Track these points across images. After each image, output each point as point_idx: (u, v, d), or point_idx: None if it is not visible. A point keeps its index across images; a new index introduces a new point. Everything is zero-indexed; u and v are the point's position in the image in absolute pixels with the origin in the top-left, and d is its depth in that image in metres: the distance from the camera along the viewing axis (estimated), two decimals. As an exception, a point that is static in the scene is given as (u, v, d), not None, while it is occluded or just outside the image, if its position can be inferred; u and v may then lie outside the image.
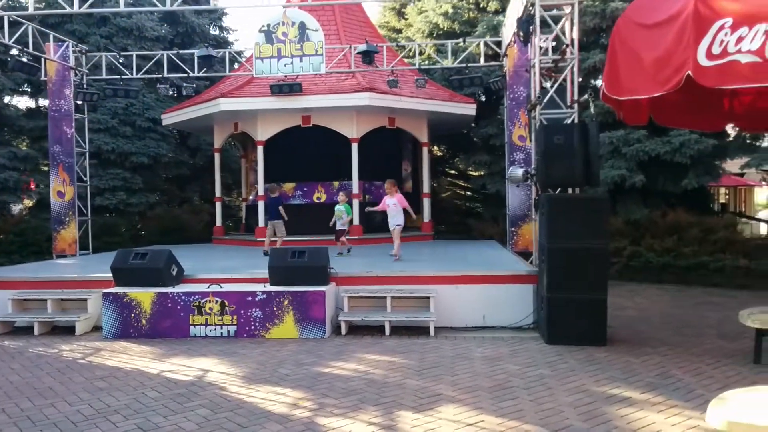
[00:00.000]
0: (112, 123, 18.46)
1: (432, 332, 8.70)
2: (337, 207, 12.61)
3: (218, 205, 17.56)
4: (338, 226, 12.52)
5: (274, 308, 8.67)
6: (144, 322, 8.86)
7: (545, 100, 9.12)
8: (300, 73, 13.48)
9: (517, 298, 9.05)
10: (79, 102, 14.28)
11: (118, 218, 18.48)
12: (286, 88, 14.00)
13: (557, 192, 8.64)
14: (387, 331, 8.78)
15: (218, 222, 17.49)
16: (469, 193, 22.91)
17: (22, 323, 9.50)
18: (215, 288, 8.91)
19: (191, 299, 8.79)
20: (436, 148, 23.46)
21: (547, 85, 9.29)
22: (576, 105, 9.03)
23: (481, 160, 18.18)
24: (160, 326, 8.83)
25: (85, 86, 14.31)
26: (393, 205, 11.58)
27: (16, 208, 18.74)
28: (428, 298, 8.98)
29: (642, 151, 14.33)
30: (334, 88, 14.67)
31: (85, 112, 14.88)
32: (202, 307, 8.77)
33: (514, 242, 12.86)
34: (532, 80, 9.50)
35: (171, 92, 14.15)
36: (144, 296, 8.88)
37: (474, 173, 21.23)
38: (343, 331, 8.85)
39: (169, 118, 16.94)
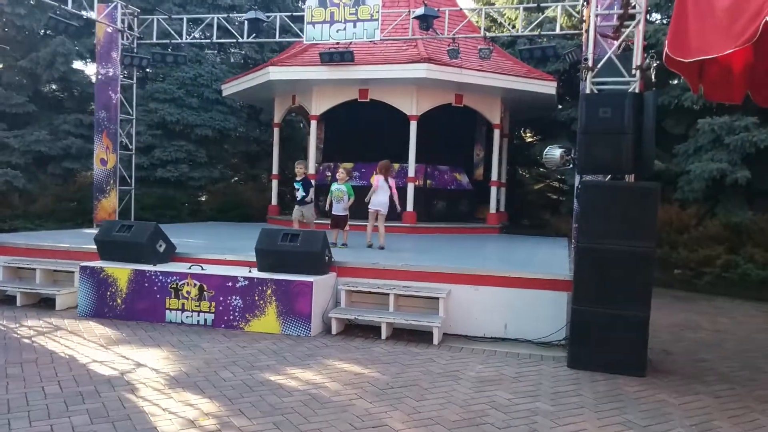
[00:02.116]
0: (179, 93, 18.03)
1: (436, 340, 7.22)
2: (334, 186, 10.32)
3: (275, 183, 16.66)
4: (336, 211, 10.27)
5: (256, 297, 7.50)
6: (119, 301, 7.95)
7: (600, 66, 7.32)
8: (353, 40, 12.23)
9: (549, 307, 7.38)
10: (126, 66, 13.67)
11: (179, 191, 18.02)
12: (337, 56, 12.77)
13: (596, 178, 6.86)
14: (384, 334, 7.39)
15: (274, 200, 16.61)
16: (557, 184, 20.81)
17: (13, 292, 8.88)
18: (196, 269, 7.85)
19: (169, 280, 7.79)
20: (526, 132, 21.54)
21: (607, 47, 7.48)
22: (639, 72, 7.16)
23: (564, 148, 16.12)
24: (135, 307, 7.89)
25: (134, 50, 13.73)
26: (387, 187, 10.26)
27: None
28: (437, 299, 7.48)
29: (749, 141, 11.96)
30: (391, 59, 13.27)
31: (134, 78, 14.30)
32: (180, 290, 7.74)
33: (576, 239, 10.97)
34: (589, 41, 7.70)
35: (218, 59, 13.27)
36: (121, 273, 7.97)
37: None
38: (334, 329, 7.55)
39: (228, 89, 16.20)
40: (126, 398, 5.04)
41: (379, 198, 10.22)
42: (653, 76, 6.80)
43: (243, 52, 13.66)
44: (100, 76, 13.54)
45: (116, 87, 13.52)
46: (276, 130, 16.55)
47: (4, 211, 16.42)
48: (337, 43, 12.61)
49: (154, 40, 13.80)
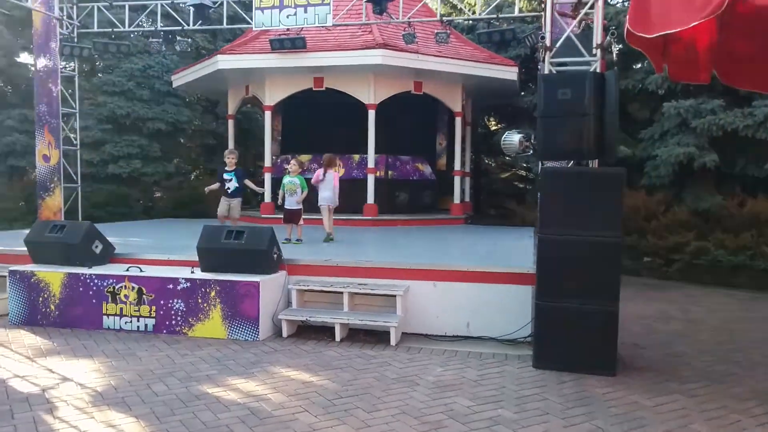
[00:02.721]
0: (129, 85, 17.22)
1: (393, 340, 6.75)
2: (287, 179, 9.78)
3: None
4: (288, 205, 9.72)
5: (199, 300, 6.95)
6: (53, 307, 7.34)
7: (558, 45, 6.89)
8: (305, 26, 11.65)
9: (513, 302, 6.96)
10: (66, 57, 12.92)
11: (132, 187, 17.25)
12: (288, 43, 12.18)
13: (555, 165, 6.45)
14: (338, 336, 6.90)
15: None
16: (523, 173, 20.49)
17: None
18: (134, 271, 7.27)
19: (105, 284, 7.19)
20: (490, 120, 21.16)
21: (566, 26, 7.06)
22: (599, 51, 6.76)
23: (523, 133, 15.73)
24: (70, 314, 7.29)
25: (74, 39, 12.97)
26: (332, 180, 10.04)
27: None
28: (394, 296, 7.02)
29: (715, 124, 11.71)
30: (345, 45, 12.72)
31: (75, 69, 13.54)
32: (117, 294, 7.15)
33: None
34: (547, 20, 7.27)
35: (162, 48, 12.60)
36: (53, 277, 7.35)
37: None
38: (285, 332, 7.04)
39: (178, 80, 15.49)
40: (41, 420, 4.48)
41: (325, 193, 9.99)
42: (614, 56, 6.39)
43: (189, 40, 13.01)
44: (39, 68, 12.75)
45: (56, 79, 12.73)
46: (230, 122, 15.90)
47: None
48: (288, 30, 12.02)
49: (96, 29, 13.03)
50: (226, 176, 9.73)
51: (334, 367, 5.90)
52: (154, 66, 17.52)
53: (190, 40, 13.10)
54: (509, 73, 13.77)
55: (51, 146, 12.81)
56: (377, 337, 6.94)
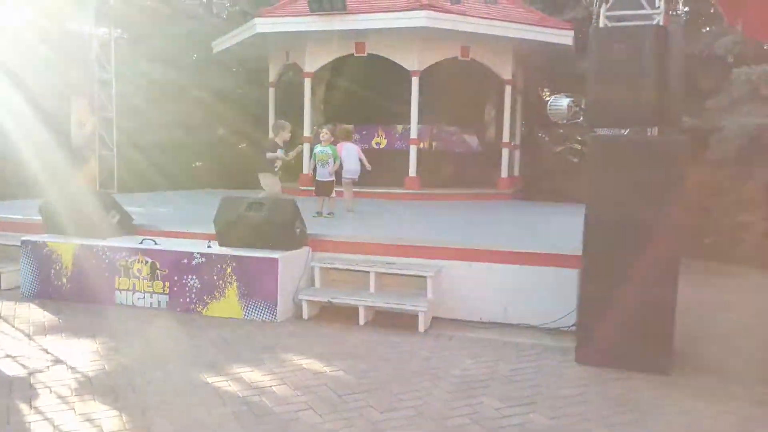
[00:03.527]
0: (172, 52, 16.86)
1: (422, 326, 6.13)
2: (318, 149, 9.24)
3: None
4: (320, 176, 9.19)
5: (215, 277, 6.47)
6: (65, 280, 6.98)
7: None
8: (344, -15, 10.98)
9: (557, 287, 6.23)
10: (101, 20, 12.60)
11: (173, 156, 16.95)
12: (327, 4, 11.52)
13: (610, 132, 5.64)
14: (362, 319, 6.32)
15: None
16: (578, 147, 19.38)
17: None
18: (148, 244, 6.83)
19: (117, 257, 6.78)
20: (544, 90, 20.05)
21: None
22: (664, 3, 5.88)
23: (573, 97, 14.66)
24: (82, 288, 6.91)
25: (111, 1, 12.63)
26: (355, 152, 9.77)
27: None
28: (425, 277, 6.38)
29: (792, 93, 10.55)
30: (388, 6, 11.98)
31: (110, 33, 13.21)
32: (130, 269, 6.74)
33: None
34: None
35: (200, 10, 12.13)
36: (65, 248, 6.98)
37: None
38: (306, 313, 6.50)
39: (218, 45, 15.04)
40: (16, 409, 4.05)
41: (351, 166, 9.57)
42: (681, 7, 5.52)
43: (227, 2, 12.45)
44: (72, 32, 12.46)
45: (91, 43, 12.45)
46: (272, 90, 15.39)
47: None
48: (329, -11, 11.36)
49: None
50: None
51: (353, 355, 5.33)
52: (197, 32, 17.09)
53: (228, 3, 12.54)
54: (564, 37, 12.77)
55: (86, 113, 12.54)
56: (406, 321, 6.33)
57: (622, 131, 5.70)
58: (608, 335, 5.20)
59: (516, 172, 15.34)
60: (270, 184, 8.53)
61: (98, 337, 5.68)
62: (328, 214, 9.12)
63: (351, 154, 9.57)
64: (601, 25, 5.91)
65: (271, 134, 9.16)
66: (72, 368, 4.86)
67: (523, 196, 14.51)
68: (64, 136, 12.74)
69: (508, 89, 13.76)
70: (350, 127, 13.14)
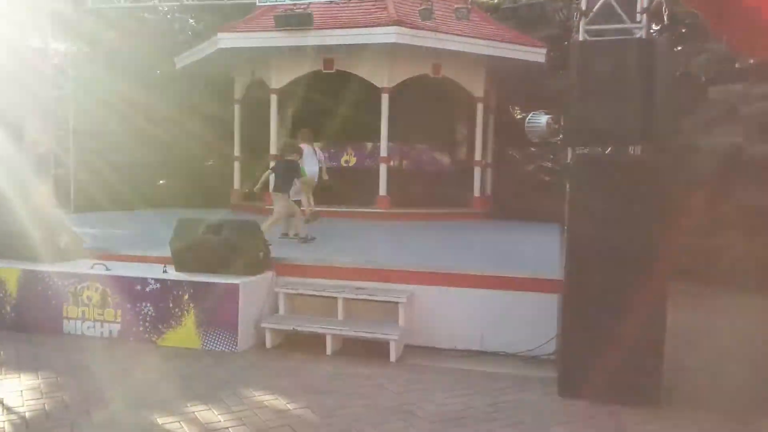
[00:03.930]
0: (136, 68, 16.35)
1: (393, 356, 5.75)
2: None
3: (236, 165, 15.12)
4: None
5: (170, 304, 6.01)
6: (8, 308, 6.46)
7: (596, 9, 5.79)
8: (312, 0, 10.64)
9: (535, 312, 5.92)
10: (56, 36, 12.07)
11: (134, 176, 16.36)
12: (294, 20, 11.15)
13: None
14: (329, 349, 5.92)
15: (236, 185, 15.09)
16: (549, 164, 19.26)
17: None
18: (99, 269, 6.35)
19: (66, 283, 6.29)
20: (515, 108, 19.93)
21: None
22: (645, 16, 5.65)
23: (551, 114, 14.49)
24: (28, 316, 6.40)
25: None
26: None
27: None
28: (396, 303, 6.01)
29: (768, 112, 10.45)
30: (357, 22, 11.69)
31: (68, 45, 12.72)
32: (79, 295, 6.25)
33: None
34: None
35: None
36: (9, 273, 6.48)
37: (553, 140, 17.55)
38: (269, 342, 6.08)
39: (181, 61, 14.62)
40: (-65, 462, 3.56)
41: (311, 167, 9.17)
42: (665, 18, 5.30)
43: (191, 20, 12.06)
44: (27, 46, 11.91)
45: (46, 58, 11.89)
46: (237, 107, 14.99)
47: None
48: (295, 5, 11.00)
49: (91, 5, 12.12)
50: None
51: (319, 390, 4.92)
52: (163, 48, 16.63)
53: (192, 21, 12.15)
54: (537, 54, 12.61)
55: (41, 131, 11.95)
56: (377, 349, 5.94)
57: (603, 150, 5.43)
58: (593, 366, 4.87)
59: (488, 191, 15.09)
60: (283, 206, 8.23)
61: (42, 371, 5.19)
62: (295, 235, 8.72)
63: (309, 156, 9.25)
64: (580, 39, 5.65)
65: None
66: (8, 409, 4.37)
67: (496, 215, 14.23)
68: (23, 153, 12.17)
69: (480, 107, 13.53)
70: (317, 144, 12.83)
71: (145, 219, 12.08)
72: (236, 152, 15.10)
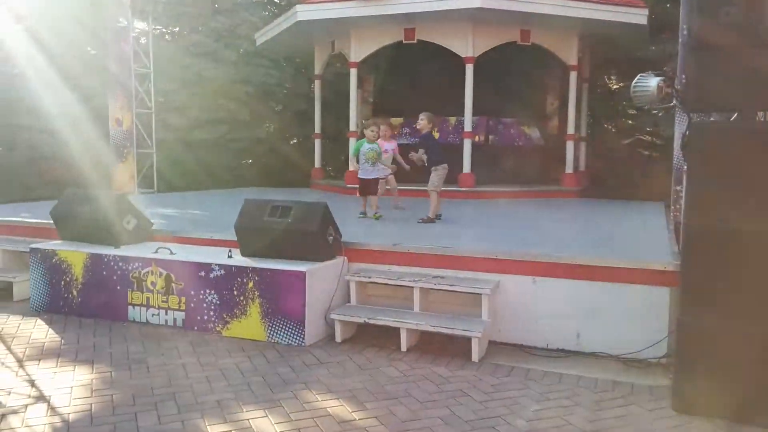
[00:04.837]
0: (215, 47, 16.23)
1: (476, 355, 5.10)
2: (366, 146, 8.33)
3: (317, 144, 14.72)
4: (366, 174, 8.36)
5: (235, 292, 5.59)
6: (75, 293, 6.23)
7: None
8: (392, -33, 10.00)
9: (643, 309, 5.13)
10: (138, 13, 11.97)
11: (218, 154, 16.29)
12: (373, -13, 10.55)
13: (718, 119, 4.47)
14: (404, 345, 5.33)
15: (317, 163, 14.71)
16: (648, 138, 17.88)
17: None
18: (163, 253, 6.00)
19: (130, 267, 5.98)
20: (611, 78, 18.62)
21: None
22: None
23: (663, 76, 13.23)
24: (93, 302, 6.15)
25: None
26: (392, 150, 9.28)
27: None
28: (480, 295, 5.35)
29: None
30: (441, -13, 10.92)
31: (149, 24, 12.59)
32: (143, 281, 5.93)
33: (677, 208, 8.47)
34: None
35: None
36: (76, 257, 6.23)
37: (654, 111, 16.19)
38: (339, 335, 5.56)
39: (261, 37, 14.28)
40: (-36, 472, 3.23)
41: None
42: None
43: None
44: (107, 24, 11.87)
45: (128, 36, 11.82)
46: (317, 83, 14.57)
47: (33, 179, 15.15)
48: (374, -28, 10.38)
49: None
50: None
51: (391, 395, 4.35)
52: (241, 25, 16.42)
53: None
54: (638, 15, 11.44)
55: (123, 109, 11.94)
56: (457, 346, 5.32)
57: (729, 117, 4.53)
58: (715, 376, 4.08)
59: (582, 167, 14.07)
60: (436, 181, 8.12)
61: (98, 364, 4.88)
62: (375, 215, 8.23)
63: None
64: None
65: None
66: (53, 408, 4.04)
67: (591, 194, 13.22)
68: (103, 133, 12.22)
69: (573, 76, 12.51)
70: (392, 121, 12.23)
71: (223, 199, 11.86)
72: (317, 129, 14.67)
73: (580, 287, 5.32)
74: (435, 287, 5.52)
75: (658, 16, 13.16)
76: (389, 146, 9.19)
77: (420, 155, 8.06)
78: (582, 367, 4.98)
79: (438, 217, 8.18)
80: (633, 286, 5.16)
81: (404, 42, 11.93)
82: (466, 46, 11.48)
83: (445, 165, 8.16)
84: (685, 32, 8.11)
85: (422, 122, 8.15)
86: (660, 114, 13.92)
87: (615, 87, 18.21)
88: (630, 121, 18.69)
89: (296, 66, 18.18)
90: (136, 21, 12.82)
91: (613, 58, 15.27)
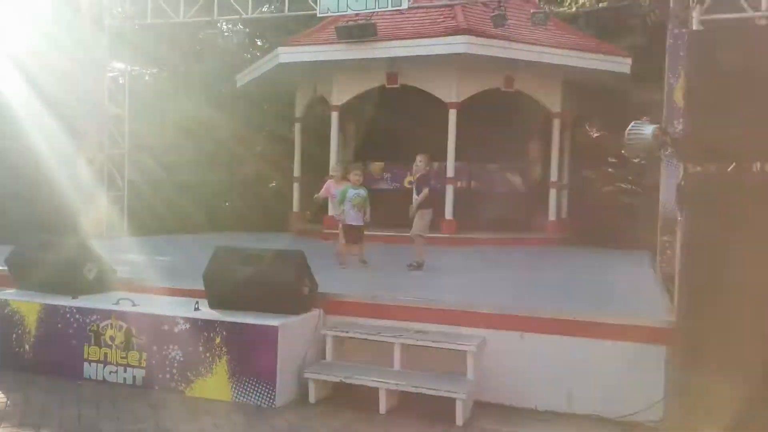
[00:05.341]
0: (195, 88, 16.02)
1: (460, 419, 4.72)
2: (352, 191, 8.01)
3: (296, 187, 14.41)
4: (354, 221, 8.01)
5: (200, 348, 5.18)
6: (27, 347, 5.76)
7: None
8: (376, 10, 9.87)
9: (635, 367, 4.80)
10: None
11: (194, 197, 15.88)
12: (356, 30, 10.43)
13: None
14: (383, 407, 4.94)
15: (295, 207, 14.37)
16: (628, 186, 17.79)
17: None
18: (125, 305, 5.59)
19: (87, 320, 5.55)
20: (592, 126, 18.58)
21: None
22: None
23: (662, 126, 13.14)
24: (46, 357, 5.68)
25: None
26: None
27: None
28: (464, 352, 5.00)
29: None
30: (423, 32, 10.81)
31: (125, 63, 12.35)
32: (102, 335, 5.50)
33: (665, 259, 8.23)
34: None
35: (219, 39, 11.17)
36: (29, 308, 5.79)
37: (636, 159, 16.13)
38: (313, 396, 5.15)
39: (242, 78, 14.11)
40: None
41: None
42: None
43: (247, 30, 11.51)
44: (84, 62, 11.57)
45: (102, 75, 11.56)
46: (297, 126, 14.35)
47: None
48: (357, 15, 10.25)
49: (149, 20, 11.71)
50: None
51: (367, 466, 3.95)
52: (223, 67, 16.26)
53: (248, 30, 11.62)
54: (622, 65, 11.42)
55: (95, 149, 11.58)
56: (440, 407, 4.92)
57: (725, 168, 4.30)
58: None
59: (564, 215, 13.88)
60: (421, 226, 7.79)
61: (44, 430, 4.42)
62: (362, 262, 7.94)
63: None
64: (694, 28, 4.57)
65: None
66: (-14, 484, 3.59)
67: (574, 242, 12.99)
68: (70, 174, 11.78)
69: (556, 123, 12.42)
70: (380, 164, 12.01)
71: (197, 244, 11.43)
72: (296, 173, 14.39)
73: (570, 344, 5.00)
74: (417, 343, 5.16)
75: (640, 63, 13.16)
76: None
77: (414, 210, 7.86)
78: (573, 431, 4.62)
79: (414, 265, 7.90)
80: (627, 344, 4.85)
81: (387, 86, 11.76)
82: (450, 91, 11.36)
83: (431, 210, 7.91)
84: (671, 81, 8.03)
85: (420, 164, 7.94)
86: (643, 162, 13.82)
87: (596, 135, 18.20)
88: (610, 170, 18.65)
89: (277, 109, 17.99)
90: (114, 61, 12.56)
91: (596, 106, 15.25)
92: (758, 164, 4.28)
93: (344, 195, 8.08)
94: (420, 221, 7.83)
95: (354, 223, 8.05)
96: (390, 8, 9.78)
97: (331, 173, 8.46)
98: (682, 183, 4.28)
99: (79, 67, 11.60)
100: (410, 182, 12.65)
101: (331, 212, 11.28)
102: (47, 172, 10.52)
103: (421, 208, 7.83)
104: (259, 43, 19.81)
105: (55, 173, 10.92)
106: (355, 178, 8.16)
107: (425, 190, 7.84)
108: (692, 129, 4.10)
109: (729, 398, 3.65)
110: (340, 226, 8.20)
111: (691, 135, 4.11)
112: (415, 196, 7.94)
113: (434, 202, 8.02)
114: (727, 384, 3.66)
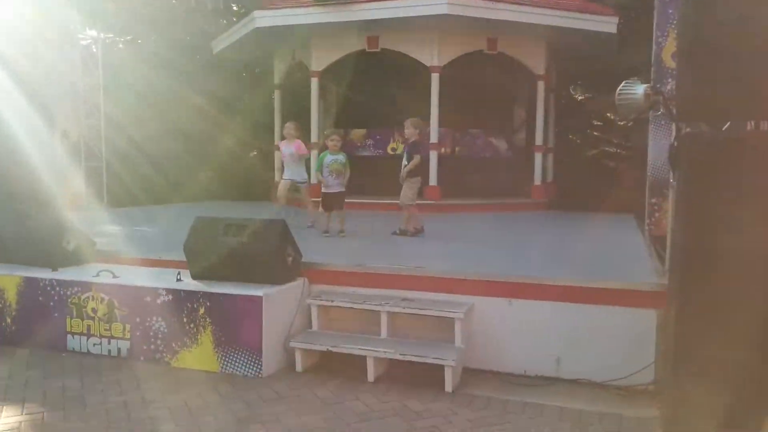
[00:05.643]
0: (171, 56, 15.64)
1: (449, 385, 4.67)
2: (329, 157, 7.86)
3: (277, 156, 14.19)
4: (331, 188, 7.85)
5: (184, 319, 5.08)
6: (9, 320, 5.65)
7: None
8: (354, -29, 9.63)
9: (625, 331, 4.78)
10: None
11: (172, 168, 15.64)
12: (333, -7, 10.17)
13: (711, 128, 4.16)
14: (371, 375, 4.88)
15: (277, 176, 14.18)
16: (613, 150, 17.79)
17: None
18: (105, 276, 5.46)
19: (68, 293, 5.43)
20: (576, 89, 18.50)
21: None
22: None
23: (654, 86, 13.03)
24: (29, 330, 5.58)
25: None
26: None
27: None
28: (452, 319, 4.94)
29: None
30: (405, -6, 10.58)
31: (98, 31, 12.01)
32: (83, 307, 5.38)
33: (653, 222, 8.20)
34: None
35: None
36: (9, 281, 5.66)
37: (622, 122, 16.11)
38: (300, 365, 5.09)
39: (218, 44, 13.78)
40: None
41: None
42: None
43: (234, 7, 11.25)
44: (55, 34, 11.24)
45: (76, 44, 11.23)
46: (277, 93, 14.09)
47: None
48: (336, -23, 10.01)
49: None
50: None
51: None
52: (200, 35, 15.87)
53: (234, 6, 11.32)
54: (608, 24, 11.24)
55: (71, 120, 11.30)
56: (428, 374, 4.87)
57: (722, 126, 4.20)
58: (710, 407, 3.72)
59: (549, 179, 13.84)
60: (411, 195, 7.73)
61: (28, 404, 4.34)
62: (340, 233, 7.81)
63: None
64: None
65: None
66: (-34, 463, 3.50)
67: (559, 206, 12.96)
68: (46, 147, 11.51)
69: (540, 86, 12.27)
70: (362, 131, 11.81)
71: (178, 214, 11.26)
72: (276, 141, 14.17)
73: (559, 309, 4.96)
74: (403, 311, 5.09)
75: (627, 23, 13.02)
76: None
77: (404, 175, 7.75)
78: (564, 397, 4.59)
79: (412, 231, 7.83)
80: (616, 308, 4.82)
81: (367, 51, 11.54)
82: (432, 54, 11.16)
83: (419, 178, 7.81)
84: (659, 41, 7.90)
85: (408, 130, 7.79)
86: (630, 125, 13.79)
87: (581, 98, 18.13)
88: (595, 133, 18.61)
89: (256, 76, 17.66)
90: (85, 28, 12.22)
91: (581, 67, 15.13)
92: (752, 122, 4.21)
93: (322, 161, 7.94)
94: (408, 190, 7.72)
95: (332, 191, 7.91)
96: (369, -31, 9.55)
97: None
98: (675, 144, 4.18)
99: (50, 38, 11.27)
100: (393, 149, 12.59)
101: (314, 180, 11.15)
102: (21, 148, 10.26)
103: (410, 176, 7.71)
104: (235, 8, 19.39)
105: (29, 148, 10.66)
106: (333, 143, 7.97)
107: (416, 158, 7.70)
108: (685, 87, 3.99)
109: (724, 362, 3.62)
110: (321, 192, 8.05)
111: (683, 93, 4.01)
112: (405, 162, 7.79)
113: (423, 169, 7.89)
114: (725, 349, 3.62)
